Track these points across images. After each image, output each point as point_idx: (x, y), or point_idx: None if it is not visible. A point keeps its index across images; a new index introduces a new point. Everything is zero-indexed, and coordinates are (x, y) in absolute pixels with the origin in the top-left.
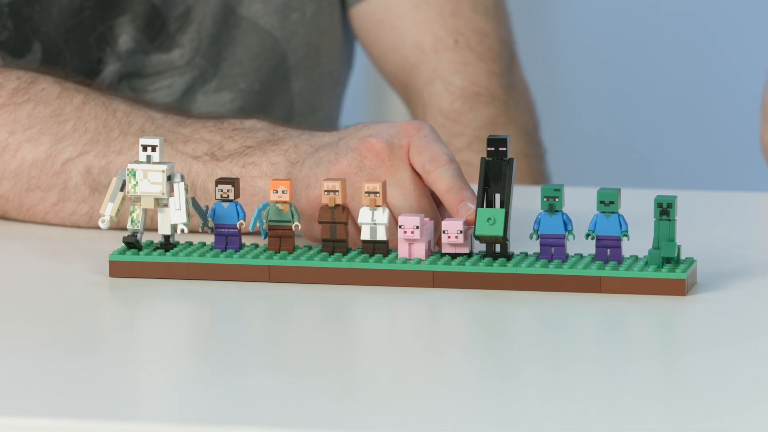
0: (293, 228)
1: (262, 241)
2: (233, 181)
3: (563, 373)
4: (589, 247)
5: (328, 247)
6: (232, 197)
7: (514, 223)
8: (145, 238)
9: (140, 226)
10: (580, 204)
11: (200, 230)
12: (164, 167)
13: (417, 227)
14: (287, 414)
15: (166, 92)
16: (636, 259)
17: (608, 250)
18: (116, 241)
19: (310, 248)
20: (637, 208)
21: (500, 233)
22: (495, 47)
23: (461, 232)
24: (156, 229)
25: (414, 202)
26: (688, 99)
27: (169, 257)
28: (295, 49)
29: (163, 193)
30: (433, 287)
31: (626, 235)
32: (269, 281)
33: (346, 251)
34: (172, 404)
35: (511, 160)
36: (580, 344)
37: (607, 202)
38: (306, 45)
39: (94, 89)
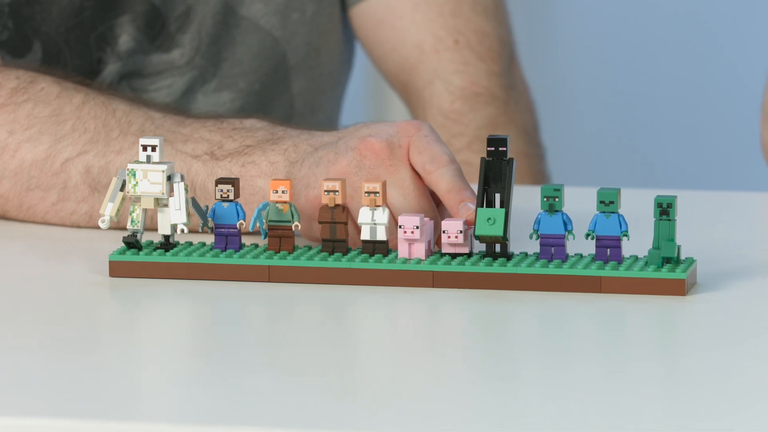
0: (293, 228)
1: (262, 241)
2: (233, 181)
3: (563, 373)
4: (589, 247)
5: (328, 247)
6: (231, 197)
7: (514, 223)
8: (145, 238)
9: (140, 226)
10: (580, 204)
11: (200, 230)
12: (164, 167)
13: (417, 227)
14: (287, 414)
15: (166, 92)
16: (636, 259)
17: (608, 250)
18: (116, 241)
19: (310, 248)
20: (637, 208)
21: (500, 233)
22: (495, 47)
23: (461, 232)
24: (156, 229)
25: (414, 201)
26: (688, 99)
27: (169, 257)
28: (295, 49)
29: (163, 193)
30: (433, 287)
31: (626, 235)
32: (269, 281)
33: (346, 251)
34: (172, 404)
35: (511, 160)
36: (580, 344)
37: (607, 202)
38: (306, 45)
39: (94, 89)
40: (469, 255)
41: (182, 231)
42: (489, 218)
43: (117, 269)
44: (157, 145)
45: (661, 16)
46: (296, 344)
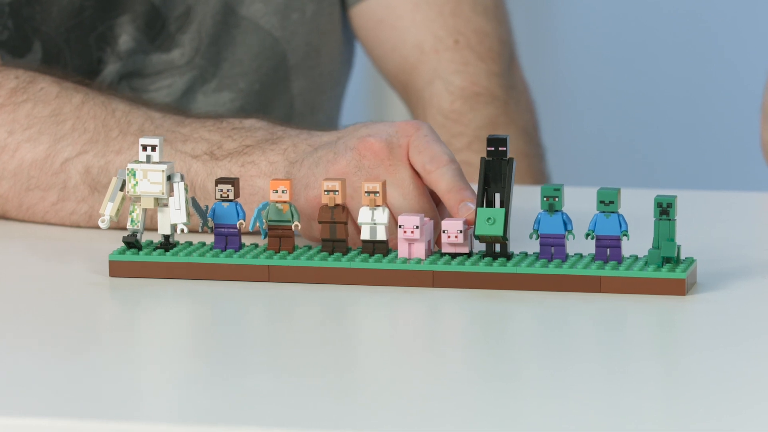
0: (293, 228)
1: (262, 241)
2: (233, 181)
3: (563, 373)
4: (589, 247)
5: (328, 247)
6: (231, 197)
7: (514, 223)
8: (145, 237)
9: (140, 225)
10: (580, 204)
11: (200, 230)
12: (164, 167)
13: (417, 227)
14: (287, 414)
15: (166, 92)
16: (636, 258)
17: (608, 249)
18: (116, 240)
19: (309, 248)
20: (637, 208)
21: (500, 233)
22: (495, 47)
23: (461, 231)
24: (156, 229)
25: (413, 201)
26: (688, 99)
27: (169, 257)
28: (295, 49)
29: (162, 193)
30: (433, 287)
31: (626, 235)
32: (269, 281)
33: (345, 251)
34: (172, 404)
35: (511, 159)
36: (580, 344)
37: (607, 202)
38: (306, 45)
39: (93, 89)
40: (469, 255)
41: (182, 231)
42: (489, 218)
43: (117, 269)
44: (157, 145)
45: (661, 16)
46: (296, 344)
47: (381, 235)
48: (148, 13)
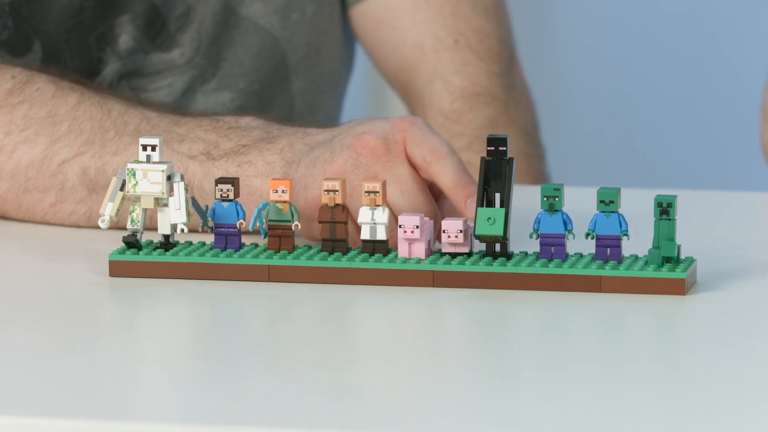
0: (293, 227)
1: (262, 241)
2: (233, 181)
3: (563, 373)
4: (589, 247)
5: (328, 247)
6: (231, 197)
7: (514, 223)
8: (145, 237)
9: (140, 225)
10: (580, 204)
11: (200, 230)
12: (164, 167)
13: (417, 227)
14: (287, 414)
15: (166, 92)
16: (636, 258)
17: (608, 249)
18: (116, 240)
19: (309, 248)
20: (637, 207)
21: (500, 233)
22: (495, 47)
23: (461, 231)
24: (156, 229)
25: (412, 197)
26: (688, 99)
27: (168, 257)
28: (295, 49)
29: (162, 193)
30: (433, 287)
31: (626, 235)
32: (269, 281)
33: (345, 251)
34: (172, 404)
35: (511, 159)
36: (580, 344)
37: (607, 202)
38: (306, 45)
39: (89, 88)
40: (469, 254)
41: (182, 231)
42: (489, 218)
43: (117, 269)
44: (156, 145)
45: (661, 16)
46: (296, 344)
47: (381, 234)
48: (148, 13)
